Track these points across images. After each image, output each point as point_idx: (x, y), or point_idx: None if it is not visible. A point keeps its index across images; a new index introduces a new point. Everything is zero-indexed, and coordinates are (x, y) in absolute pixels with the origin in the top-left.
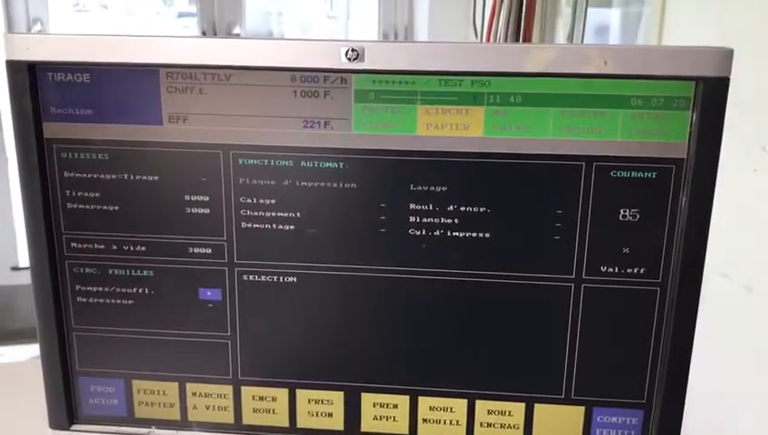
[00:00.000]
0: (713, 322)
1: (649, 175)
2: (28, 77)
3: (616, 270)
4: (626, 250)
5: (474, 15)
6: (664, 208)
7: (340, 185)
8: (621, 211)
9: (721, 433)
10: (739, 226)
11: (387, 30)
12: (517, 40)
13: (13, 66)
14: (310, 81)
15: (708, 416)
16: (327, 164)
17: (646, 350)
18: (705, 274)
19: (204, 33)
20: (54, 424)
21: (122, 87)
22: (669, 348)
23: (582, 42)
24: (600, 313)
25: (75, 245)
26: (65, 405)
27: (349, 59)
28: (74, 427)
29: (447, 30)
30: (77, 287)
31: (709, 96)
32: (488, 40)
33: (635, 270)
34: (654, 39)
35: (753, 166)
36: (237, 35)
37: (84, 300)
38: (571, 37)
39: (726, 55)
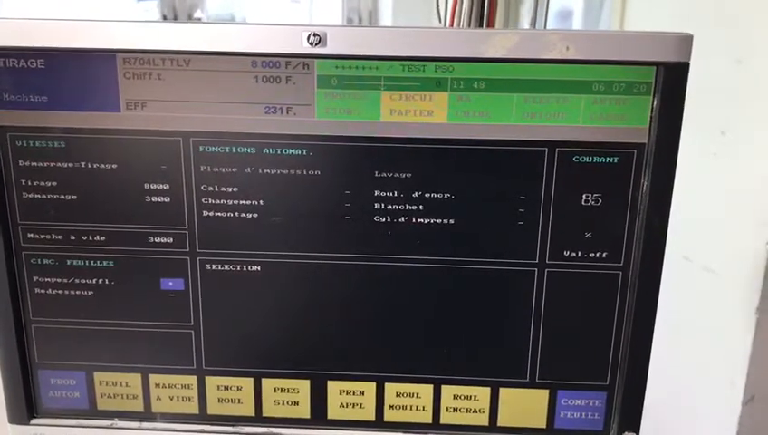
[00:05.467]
0: (674, 303)
1: (611, 160)
2: None
3: (578, 254)
4: (588, 235)
5: (437, 0)
6: (626, 193)
7: (304, 172)
8: (584, 196)
9: (681, 412)
10: (699, 209)
11: (351, 15)
12: (481, 25)
13: None
14: (271, 66)
15: (670, 395)
16: (290, 151)
17: (608, 333)
18: (667, 257)
19: (164, 18)
20: (13, 419)
21: (78, 73)
22: (631, 330)
23: (545, 27)
24: (564, 297)
25: (32, 235)
26: (24, 399)
27: (311, 44)
28: (34, 421)
29: (412, 15)
30: (35, 279)
31: (670, 81)
32: (452, 25)
33: (597, 254)
34: (616, 24)
35: (713, 150)
36: (199, 20)
37: (42, 291)
38: (534, 22)
39: (686, 41)
